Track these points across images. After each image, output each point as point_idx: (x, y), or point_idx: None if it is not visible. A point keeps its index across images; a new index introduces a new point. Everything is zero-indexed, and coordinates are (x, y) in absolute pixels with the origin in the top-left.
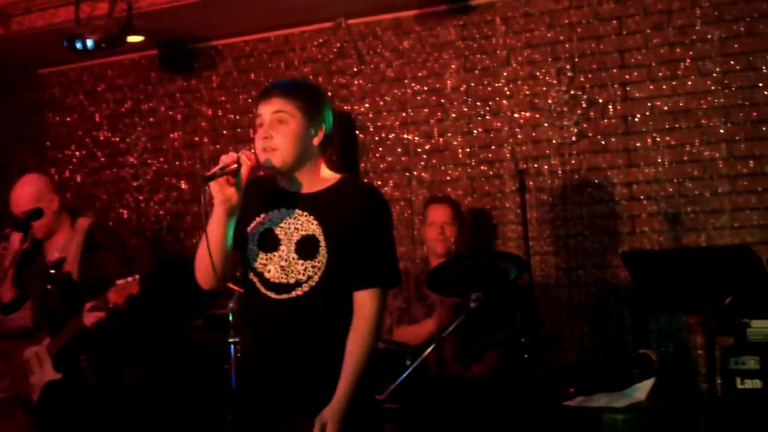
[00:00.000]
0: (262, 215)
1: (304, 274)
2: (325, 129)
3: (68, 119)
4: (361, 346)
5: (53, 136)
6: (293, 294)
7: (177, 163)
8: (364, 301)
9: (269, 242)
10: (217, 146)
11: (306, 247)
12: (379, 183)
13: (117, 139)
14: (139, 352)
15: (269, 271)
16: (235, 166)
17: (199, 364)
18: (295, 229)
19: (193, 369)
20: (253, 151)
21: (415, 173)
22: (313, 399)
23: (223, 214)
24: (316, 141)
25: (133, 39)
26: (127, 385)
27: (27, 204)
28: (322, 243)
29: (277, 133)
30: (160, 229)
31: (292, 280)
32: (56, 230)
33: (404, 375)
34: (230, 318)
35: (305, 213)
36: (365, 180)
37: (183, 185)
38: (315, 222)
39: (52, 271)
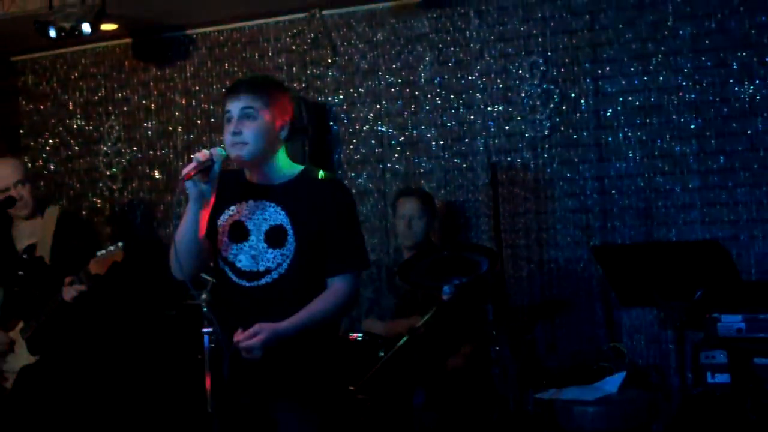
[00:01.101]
0: (232, 207)
1: (273, 262)
2: (290, 122)
3: (41, 107)
4: (320, 302)
5: (27, 124)
6: (263, 281)
7: (151, 152)
8: (336, 285)
9: (239, 233)
10: (191, 136)
11: (275, 236)
12: (353, 175)
13: (90, 127)
14: (114, 339)
15: (240, 261)
16: (209, 162)
17: (174, 354)
18: (264, 219)
19: (168, 358)
20: (222, 146)
21: (388, 165)
22: (285, 381)
23: (197, 210)
24: (282, 135)
25: (106, 27)
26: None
27: (8, 180)
28: (290, 232)
29: (245, 128)
30: (133, 219)
31: (262, 269)
32: (27, 217)
33: (377, 366)
34: (204, 308)
35: (273, 204)
36: (339, 171)
37: (157, 174)
38: (282, 212)
39: (24, 257)
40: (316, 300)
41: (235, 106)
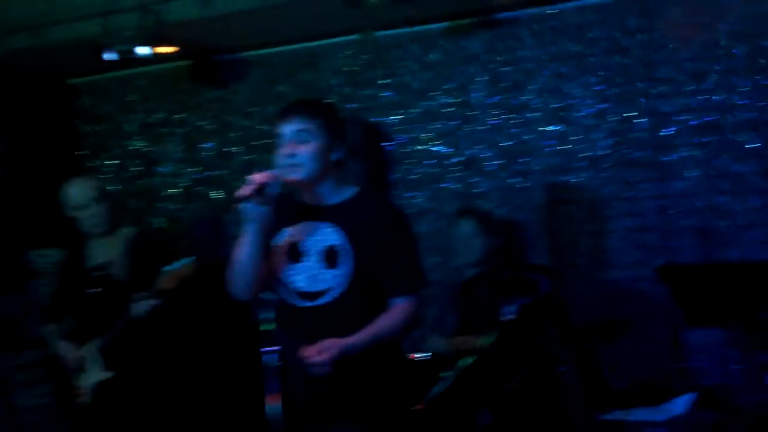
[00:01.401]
0: (287, 229)
1: (332, 282)
2: (343, 144)
3: (99, 129)
4: (386, 319)
5: (86, 146)
6: (321, 301)
7: (209, 173)
8: (400, 304)
9: (296, 254)
10: (250, 156)
11: (331, 256)
12: (409, 195)
13: (150, 149)
14: (185, 353)
15: (298, 282)
16: (265, 185)
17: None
18: (320, 239)
19: (236, 375)
20: (277, 169)
21: (445, 185)
22: (346, 401)
23: (255, 231)
24: (335, 156)
25: (162, 50)
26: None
27: (83, 198)
28: (347, 252)
29: (299, 151)
30: (194, 239)
31: (320, 288)
32: (102, 235)
33: (441, 386)
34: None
35: (329, 224)
36: (395, 192)
37: (216, 195)
38: (341, 232)
39: (97, 275)
40: (382, 316)
41: (287, 129)
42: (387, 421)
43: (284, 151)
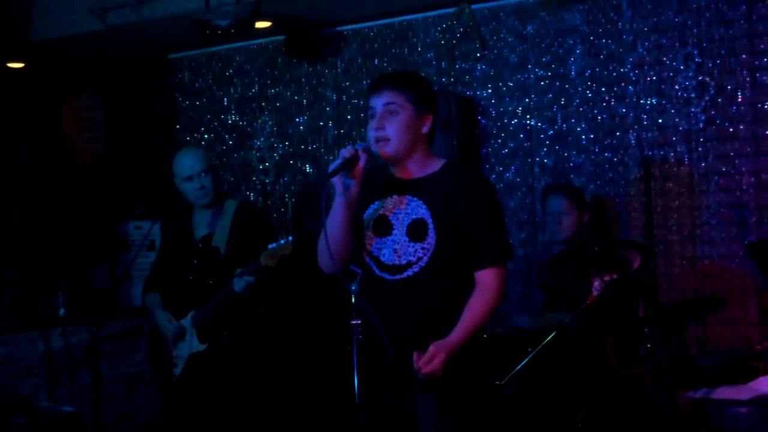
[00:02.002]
0: (376, 202)
1: (414, 256)
2: (433, 117)
3: (197, 103)
4: (479, 304)
5: (183, 120)
6: (405, 275)
7: (302, 146)
8: (487, 280)
9: (383, 227)
10: (341, 131)
11: (416, 230)
12: (501, 169)
13: (244, 123)
14: (273, 331)
15: (384, 255)
16: (354, 158)
17: (325, 345)
18: (406, 213)
19: (320, 350)
20: (367, 142)
21: (537, 159)
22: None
23: (343, 204)
24: (425, 129)
25: (260, 24)
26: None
27: (193, 168)
28: (431, 226)
29: (389, 123)
30: (286, 212)
31: (403, 262)
32: (206, 206)
33: (525, 361)
34: (352, 300)
35: (415, 198)
36: (487, 166)
37: (308, 168)
38: (424, 206)
39: (200, 246)
40: (472, 302)
41: (377, 102)
42: (467, 394)
43: (374, 123)
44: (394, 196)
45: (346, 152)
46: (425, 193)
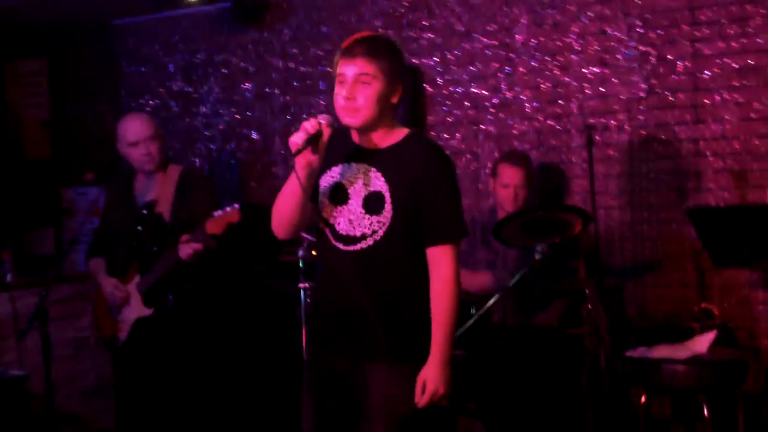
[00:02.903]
0: (335, 168)
1: (369, 228)
2: (402, 87)
3: (143, 69)
4: (446, 303)
5: (128, 86)
6: (359, 246)
7: (248, 113)
8: (440, 257)
9: (340, 196)
10: (288, 97)
11: (372, 203)
12: (446, 136)
13: (190, 89)
14: (219, 296)
15: (339, 224)
16: (318, 133)
17: (271, 309)
18: (364, 184)
19: (266, 313)
20: (330, 113)
21: (482, 127)
22: (375, 345)
23: (303, 176)
24: (394, 100)
25: None
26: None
27: (140, 134)
28: (387, 199)
29: (359, 93)
30: (231, 179)
31: (358, 233)
32: (151, 172)
33: (469, 322)
34: (300, 265)
35: (374, 169)
36: (432, 133)
37: (254, 135)
38: (382, 179)
39: (144, 212)
40: (435, 305)
41: (349, 69)
42: (417, 361)
43: (343, 92)
44: (353, 164)
45: (309, 126)
46: (385, 165)
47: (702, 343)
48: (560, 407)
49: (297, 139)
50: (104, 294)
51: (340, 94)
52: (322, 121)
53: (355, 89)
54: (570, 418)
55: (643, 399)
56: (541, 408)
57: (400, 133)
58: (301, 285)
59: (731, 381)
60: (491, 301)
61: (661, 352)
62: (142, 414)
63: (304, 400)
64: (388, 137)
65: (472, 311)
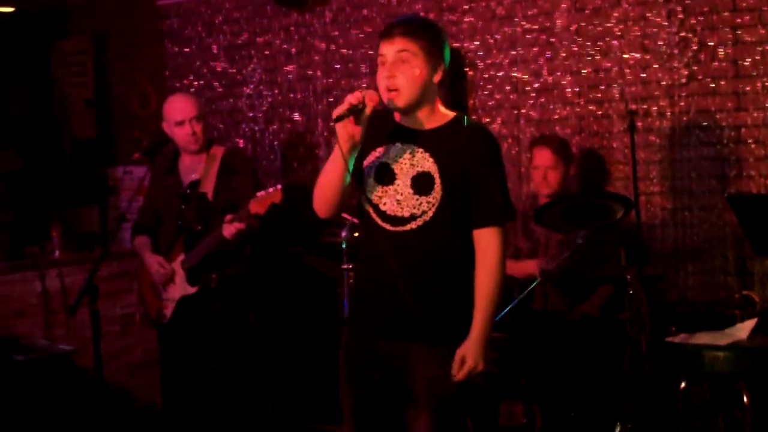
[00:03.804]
0: (379, 149)
1: (418, 209)
2: (444, 67)
3: (186, 50)
4: (491, 283)
5: (171, 67)
6: (407, 227)
7: (291, 95)
8: (487, 239)
9: (386, 176)
10: (330, 80)
11: (421, 183)
12: (488, 120)
13: (234, 70)
14: (262, 276)
15: (385, 204)
16: (361, 105)
17: (313, 289)
18: (411, 165)
19: (308, 294)
20: (376, 89)
21: (523, 111)
22: (421, 326)
23: (345, 150)
24: (436, 79)
25: None
26: (250, 306)
27: (186, 114)
28: (437, 180)
29: (400, 72)
30: (275, 160)
31: (406, 214)
32: (195, 152)
33: (510, 305)
34: (343, 246)
35: (421, 149)
36: (474, 117)
37: (297, 117)
38: (431, 159)
39: (188, 192)
40: (480, 283)
41: (389, 50)
42: (454, 338)
43: (384, 72)
44: (398, 145)
45: (353, 98)
46: (433, 145)
47: (743, 330)
48: (601, 392)
49: (340, 109)
50: (150, 271)
51: (381, 74)
52: (365, 94)
53: (396, 68)
54: (610, 404)
55: (683, 385)
56: (581, 393)
57: (447, 115)
58: (344, 266)
59: None
60: (533, 285)
61: (702, 338)
62: (187, 390)
63: (342, 380)
64: (433, 118)
65: (514, 295)
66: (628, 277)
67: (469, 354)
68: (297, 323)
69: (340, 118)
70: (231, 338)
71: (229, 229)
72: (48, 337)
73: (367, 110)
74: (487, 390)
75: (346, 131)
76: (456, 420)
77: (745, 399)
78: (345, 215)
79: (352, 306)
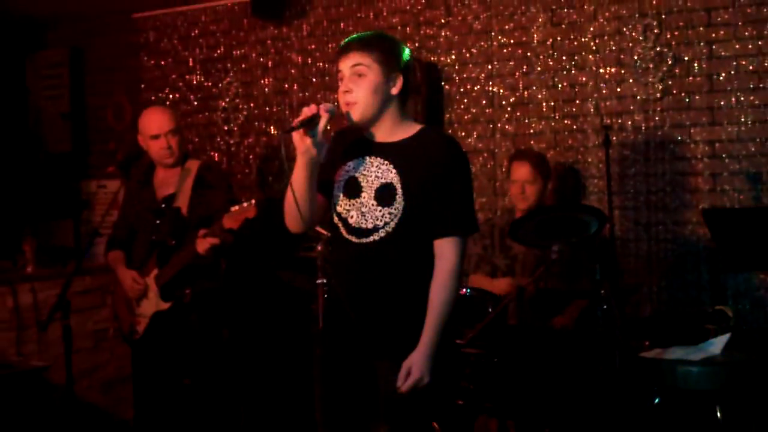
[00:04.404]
0: (349, 163)
1: (381, 220)
2: (404, 78)
3: (162, 63)
4: (443, 294)
5: (147, 80)
6: (371, 239)
7: (267, 108)
8: (445, 249)
9: (352, 189)
10: (306, 93)
11: (384, 195)
12: (463, 134)
13: (209, 83)
14: (236, 291)
15: (352, 217)
16: (313, 118)
17: (288, 304)
18: (376, 177)
19: (283, 308)
20: (336, 104)
21: (498, 125)
22: (389, 341)
23: (303, 163)
24: (394, 91)
25: None
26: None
27: (162, 127)
28: (399, 191)
29: (356, 86)
30: (250, 174)
31: (370, 225)
32: (170, 165)
33: (485, 320)
34: (317, 260)
35: (386, 161)
36: (449, 131)
37: (272, 130)
38: (394, 170)
39: (162, 206)
40: (433, 294)
41: (345, 65)
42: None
43: (342, 87)
44: (366, 158)
45: (307, 110)
46: (396, 157)
47: (716, 345)
48: (574, 407)
49: (294, 121)
50: (123, 286)
51: (340, 90)
52: (321, 107)
53: (352, 82)
54: (584, 418)
55: (656, 400)
56: (555, 407)
57: (414, 127)
58: (318, 281)
59: (745, 384)
60: (507, 299)
61: (676, 353)
62: (160, 406)
63: (317, 394)
64: (398, 130)
65: (489, 310)
66: (602, 291)
67: (415, 365)
68: (271, 338)
69: (290, 130)
70: (205, 353)
71: (202, 245)
72: (20, 353)
73: (321, 123)
74: (461, 406)
75: (303, 143)
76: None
77: (718, 414)
78: (319, 229)
79: (325, 320)
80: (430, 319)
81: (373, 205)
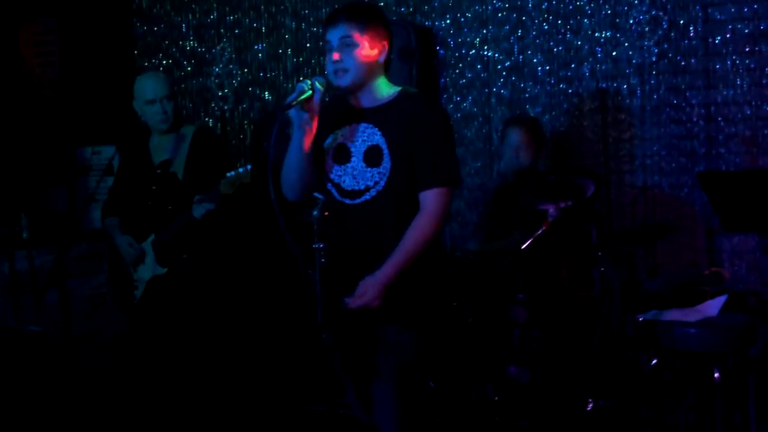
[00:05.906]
0: (337, 131)
1: (371, 180)
2: (389, 47)
3: (155, 29)
4: (413, 232)
5: (140, 46)
6: (363, 199)
7: (261, 74)
8: (427, 200)
9: (342, 155)
10: (300, 59)
11: (372, 156)
12: (458, 99)
13: (203, 49)
14: (232, 257)
15: (344, 182)
16: (310, 92)
17: (286, 269)
18: (362, 141)
19: (281, 273)
20: (325, 74)
21: (494, 90)
22: (390, 304)
23: (300, 136)
24: (381, 59)
25: None
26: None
27: (157, 93)
28: (385, 151)
29: (346, 56)
30: (244, 139)
31: (361, 187)
32: (165, 131)
33: (482, 283)
34: (314, 225)
35: (371, 125)
36: (444, 96)
37: (267, 96)
38: (379, 132)
39: (158, 172)
40: (408, 231)
41: (333, 36)
42: (425, 318)
43: (330, 57)
44: (352, 125)
45: (304, 86)
46: (380, 120)
47: (713, 307)
48: (572, 369)
49: (290, 97)
50: (120, 252)
51: (328, 59)
52: (314, 81)
53: (341, 52)
54: (581, 380)
55: (654, 362)
56: (552, 370)
57: (394, 90)
58: (315, 246)
59: (741, 345)
60: (504, 263)
61: (672, 315)
62: (157, 370)
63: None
64: (381, 95)
65: (486, 272)
66: (599, 254)
67: (369, 288)
68: (268, 305)
69: (289, 106)
70: (200, 319)
71: (199, 210)
72: (17, 319)
73: (317, 96)
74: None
75: (300, 118)
76: (416, 387)
77: (715, 375)
78: (316, 194)
79: (323, 285)
80: (397, 252)
81: (362, 167)
